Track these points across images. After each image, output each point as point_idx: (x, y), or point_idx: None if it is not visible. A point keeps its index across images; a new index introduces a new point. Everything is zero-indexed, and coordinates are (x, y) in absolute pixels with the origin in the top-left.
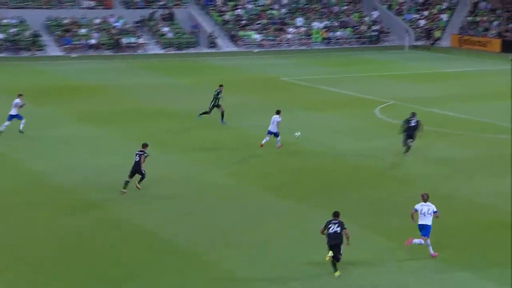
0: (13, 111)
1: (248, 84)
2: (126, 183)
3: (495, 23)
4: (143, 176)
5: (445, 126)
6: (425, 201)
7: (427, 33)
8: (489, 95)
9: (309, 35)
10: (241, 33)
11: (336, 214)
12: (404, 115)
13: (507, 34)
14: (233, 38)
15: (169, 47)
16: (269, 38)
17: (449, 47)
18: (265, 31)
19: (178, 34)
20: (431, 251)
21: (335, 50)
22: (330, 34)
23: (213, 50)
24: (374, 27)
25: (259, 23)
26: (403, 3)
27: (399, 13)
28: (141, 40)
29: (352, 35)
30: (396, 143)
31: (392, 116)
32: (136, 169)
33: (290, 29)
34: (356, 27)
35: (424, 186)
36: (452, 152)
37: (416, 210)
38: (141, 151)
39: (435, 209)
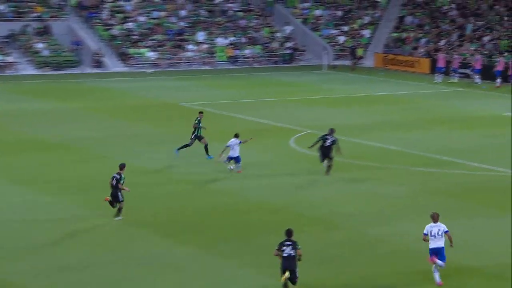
0: None
1: (141, 111)
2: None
3: (423, 40)
4: (120, 204)
5: (370, 159)
6: (435, 222)
7: (352, 51)
8: (417, 123)
9: (213, 53)
10: (132, 50)
11: (289, 233)
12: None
13: (437, 53)
14: (123, 57)
15: (45, 66)
16: (166, 56)
17: (372, 68)
18: (160, 48)
19: (56, 52)
20: (437, 278)
21: (243, 71)
22: (237, 52)
23: (99, 71)
24: (288, 44)
25: (153, 39)
26: (319, 16)
27: (315, 28)
28: (10, 59)
29: (262, 53)
30: (315, 178)
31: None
32: (114, 195)
33: (190, 46)
34: (267, 44)
35: (350, 228)
36: (381, 188)
37: (426, 234)
38: (117, 173)
39: (445, 229)
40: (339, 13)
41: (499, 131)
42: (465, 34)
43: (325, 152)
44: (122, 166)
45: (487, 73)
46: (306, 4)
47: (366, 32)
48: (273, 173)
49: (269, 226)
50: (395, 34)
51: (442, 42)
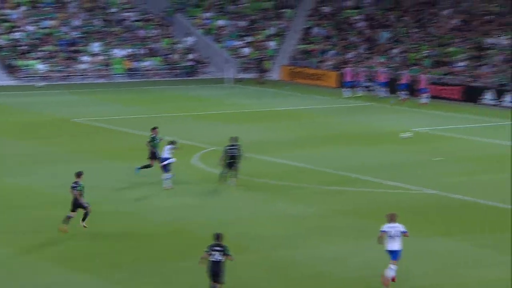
0: None
1: (30, 128)
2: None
3: (331, 52)
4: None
5: (279, 177)
6: (391, 222)
7: (258, 64)
8: (325, 139)
9: (109, 65)
10: (20, 62)
11: (218, 238)
12: None
13: (345, 66)
14: (10, 69)
15: None
16: (57, 68)
17: (278, 81)
18: (51, 60)
19: None
20: (392, 274)
21: (142, 84)
22: (136, 64)
23: None
24: (190, 56)
25: (43, 50)
26: (222, 27)
27: (218, 39)
28: None
29: (162, 65)
30: (221, 198)
31: (213, 165)
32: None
33: (84, 58)
34: (167, 56)
35: (260, 250)
36: (291, 208)
37: (384, 232)
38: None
39: (403, 229)
40: (243, 23)
41: (409, 147)
42: (374, 46)
43: (232, 162)
44: (79, 174)
45: (394, 87)
46: (208, 14)
47: (272, 44)
48: (176, 193)
49: (172, 250)
50: (301, 46)
51: (350, 55)
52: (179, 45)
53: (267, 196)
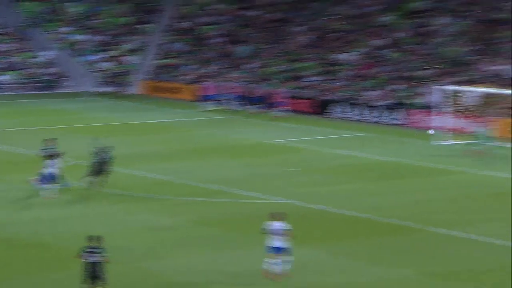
0: None
1: None
2: None
3: (189, 67)
4: None
5: (140, 190)
6: (276, 220)
7: (118, 78)
8: (186, 152)
9: None
10: None
11: (97, 240)
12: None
13: (203, 80)
14: None
15: None
16: None
17: (139, 95)
18: None
19: None
20: (279, 268)
21: (1, 98)
22: None
23: None
24: (49, 70)
25: None
26: (82, 42)
27: (78, 53)
28: None
29: (21, 79)
30: (86, 210)
31: (77, 178)
32: None
33: None
34: (26, 70)
35: (122, 262)
36: (152, 220)
37: (269, 229)
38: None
39: (287, 227)
40: (103, 38)
41: (268, 159)
42: (230, 61)
43: (100, 168)
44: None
45: (250, 100)
46: (67, 29)
47: (132, 59)
48: (37, 206)
49: (37, 263)
50: (161, 61)
51: (208, 69)
52: (38, 59)
53: (131, 208)
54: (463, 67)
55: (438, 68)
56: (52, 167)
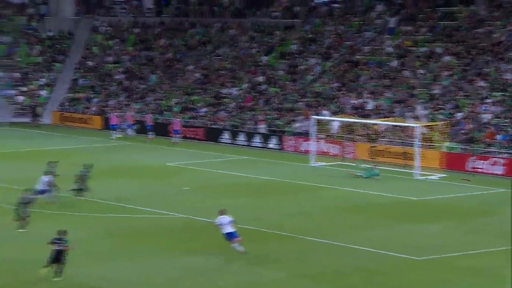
0: None
1: None
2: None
3: (95, 99)
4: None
5: (50, 208)
6: (222, 214)
7: (32, 110)
8: (95, 174)
9: None
10: None
11: (61, 233)
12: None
13: (107, 109)
14: None
15: None
16: None
17: (50, 124)
18: None
19: None
20: (241, 249)
21: None
22: None
23: None
24: None
25: None
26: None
27: None
28: None
29: None
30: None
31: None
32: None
33: None
34: None
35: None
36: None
37: (218, 224)
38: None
39: (231, 219)
40: (17, 74)
41: (166, 179)
42: (131, 94)
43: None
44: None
45: (150, 129)
46: None
47: (44, 92)
48: None
49: None
50: (70, 94)
51: (111, 102)
52: None
53: (44, 224)
54: (329, 100)
55: (308, 100)
56: None
